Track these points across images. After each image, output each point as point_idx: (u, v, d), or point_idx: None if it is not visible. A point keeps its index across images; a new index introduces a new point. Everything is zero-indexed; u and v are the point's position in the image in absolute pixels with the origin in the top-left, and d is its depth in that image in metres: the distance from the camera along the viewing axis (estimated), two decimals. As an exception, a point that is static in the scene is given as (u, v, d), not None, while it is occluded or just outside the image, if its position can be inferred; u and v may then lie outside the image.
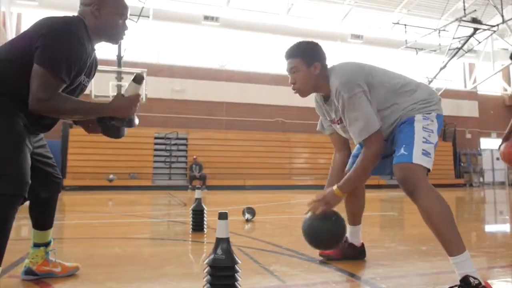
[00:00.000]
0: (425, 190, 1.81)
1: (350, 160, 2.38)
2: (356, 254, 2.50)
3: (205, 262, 1.55)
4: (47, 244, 2.09)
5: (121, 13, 1.87)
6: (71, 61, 1.71)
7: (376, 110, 2.04)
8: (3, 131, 1.64)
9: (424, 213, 1.81)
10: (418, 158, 1.86)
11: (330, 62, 2.20)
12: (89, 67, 1.91)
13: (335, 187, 2.12)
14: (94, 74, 2.02)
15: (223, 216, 1.55)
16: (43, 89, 1.64)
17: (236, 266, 1.53)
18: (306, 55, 2.11)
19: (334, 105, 2.12)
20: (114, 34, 1.89)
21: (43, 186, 1.96)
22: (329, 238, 2.20)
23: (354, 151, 2.42)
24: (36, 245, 2.07)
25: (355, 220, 2.53)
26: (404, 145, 1.92)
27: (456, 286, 1.71)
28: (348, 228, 2.47)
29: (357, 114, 1.98)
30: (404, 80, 2.12)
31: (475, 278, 1.69)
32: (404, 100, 2.05)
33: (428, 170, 1.89)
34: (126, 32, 1.93)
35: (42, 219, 2.07)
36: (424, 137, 1.93)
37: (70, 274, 2.12)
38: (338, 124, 2.21)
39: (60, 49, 1.68)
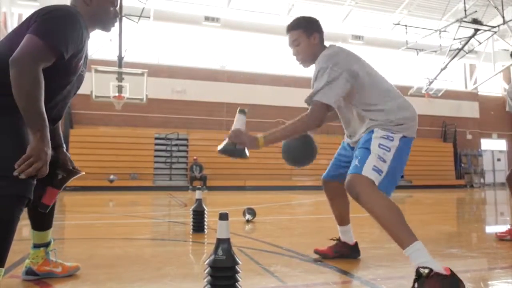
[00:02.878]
0: (367, 195, 1.92)
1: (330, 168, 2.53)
2: (350, 252, 2.55)
3: (205, 263, 1.55)
4: (47, 245, 2.09)
5: (112, 0, 1.89)
6: (68, 36, 1.66)
7: (360, 102, 2.12)
8: (8, 132, 1.62)
9: (370, 214, 1.93)
10: (367, 172, 1.96)
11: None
12: (86, 57, 1.90)
13: (260, 135, 2.07)
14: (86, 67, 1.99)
15: (223, 216, 1.56)
16: (27, 52, 1.55)
17: (236, 266, 1.54)
18: (306, 26, 2.27)
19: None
20: (106, 22, 1.90)
21: (44, 187, 1.94)
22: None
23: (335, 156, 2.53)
24: (36, 246, 2.07)
25: (343, 220, 2.59)
26: (358, 158, 2.03)
27: (415, 281, 1.72)
28: (339, 228, 2.59)
29: (323, 82, 2.04)
30: (394, 96, 2.16)
31: (424, 268, 1.70)
32: (385, 113, 2.09)
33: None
34: (117, 19, 1.94)
35: (41, 220, 2.07)
36: (378, 155, 2.00)
37: (71, 274, 2.13)
38: None
39: (58, 24, 1.65)
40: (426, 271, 1.68)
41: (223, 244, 1.54)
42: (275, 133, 2.07)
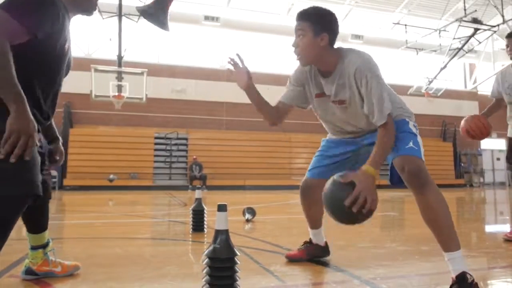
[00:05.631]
0: (434, 186, 1.84)
1: (317, 171, 2.35)
2: (322, 253, 2.52)
3: (204, 254, 1.55)
4: (45, 246, 2.07)
5: None
6: (40, 11, 1.58)
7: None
8: None
9: (429, 207, 1.82)
10: (423, 157, 1.91)
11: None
12: (69, 41, 1.83)
13: (365, 167, 1.80)
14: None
15: (222, 208, 1.56)
16: None
17: (234, 257, 1.54)
18: (317, 22, 1.95)
19: (340, 84, 1.99)
20: (88, 6, 1.85)
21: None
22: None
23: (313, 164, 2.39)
24: (34, 248, 2.05)
25: (317, 223, 2.52)
26: (412, 141, 1.93)
27: (453, 284, 1.72)
28: (312, 232, 2.52)
29: (382, 94, 1.90)
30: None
31: (471, 275, 1.72)
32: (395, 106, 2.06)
33: None
34: (97, 2, 1.88)
35: (36, 223, 2.04)
36: (419, 141, 1.96)
37: (71, 273, 2.12)
38: (337, 104, 2.06)
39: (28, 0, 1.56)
40: (472, 278, 1.71)
41: (222, 235, 1.54)
42: (377, 158, 1.84)
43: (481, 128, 3.14)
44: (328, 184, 1.84)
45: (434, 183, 1.84)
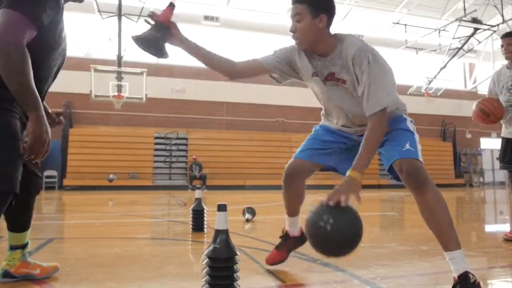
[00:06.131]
0: (433, 186, 1.83)
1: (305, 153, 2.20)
2: (300, 243, 2.41)
3: (204, 254, 1.55)
4: (24, 247, 2.02)
5: None
6: (43, 3, 1.58)
7: None
8: None
9: (428, 207, 1.81)
10: (421, 157, 1.88)
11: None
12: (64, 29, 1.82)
13: (349, 173, 1.77)
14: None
15: (222, 207, 1.56)
16: (8, 30, 1.46)
17: (234, 257, 1.54)
18: (314, 3, 1.86)
19: (339, 64, 1.90)
20: None
21: (22, 186, 1.86)
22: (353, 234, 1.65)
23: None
24: (13, 248, 2.00)
25: (296, 211, 2.37)
26: (408, 141, 1.90)
27: (456, 284, 1.72)
28: (290, 220, 2.37)
29: (384, 80, 1.83)
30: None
31: (473, 275, 1.72)
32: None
33: None
34: None
35: (19, 221, 2.01)
36: (417, 139, 1.94)
37: (50, 275, 2.07)
38: (340, 83, 1.95)
39: None
40: (474, 278, 1.71)
41: (222, 235, 1.54)
42: (362, 161, 1.79)
43: (496, 106, 3.16)
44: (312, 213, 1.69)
45: (433, 183, 1.83)
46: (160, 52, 1.84)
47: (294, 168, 2.20)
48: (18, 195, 1.58)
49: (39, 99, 1.52)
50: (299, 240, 2.41)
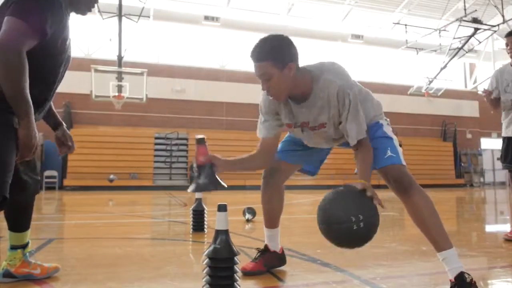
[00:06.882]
0: (418, 188, 1.86)
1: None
2: (279, 261, 2.29)
3: (204, 254, 1.56)
4: (24, 246, 2.03)
5: None
6: (48, 14, 1.62)
7: None
8: None
9: (416, 209, 1.84)
10: (403, 160, 1.92)
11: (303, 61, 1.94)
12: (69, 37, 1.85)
13: (360, 181, 1.81)
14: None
15: (222, 208, 1.56)
16: (10, 38, 1.51)
17: (234, 257, 1.54)
18: (277, 56, 1.76)
19: (319, 106, 1.87)
20: (86, 4, 1.85)
21: (21, 186, 1.87)
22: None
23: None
24: (13, 248, 2.00)
25: (275, 221, 2.29)
26: (389, 148, 1.94)
27: (453, 286, 1.72)
28: (268, 232, 2.30)
29: (361, 115, 1.87)
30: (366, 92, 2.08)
31: (468, 274, 1.73)
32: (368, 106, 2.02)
33: None
34: (95, 3, 1.89)
35: (19, 221, 2.01)
36: (395, 143, 1.97)
37: (50, 275, 2.07)
38: (317, 129, 1.95)
39: (37, 2, 1.60)
40: (470, 278, 1.72)
41: (222, 235, 1.55)
42: (366, 173, 1.83)
43: None
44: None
45: (418, 185, 1.87)
46: (216, 185, 1.80)
47: (272, 168, 2.21)
48: (7, 198, 1.60)
49: (31, 106, 1.58)
50: (280, 258, 2.30)
